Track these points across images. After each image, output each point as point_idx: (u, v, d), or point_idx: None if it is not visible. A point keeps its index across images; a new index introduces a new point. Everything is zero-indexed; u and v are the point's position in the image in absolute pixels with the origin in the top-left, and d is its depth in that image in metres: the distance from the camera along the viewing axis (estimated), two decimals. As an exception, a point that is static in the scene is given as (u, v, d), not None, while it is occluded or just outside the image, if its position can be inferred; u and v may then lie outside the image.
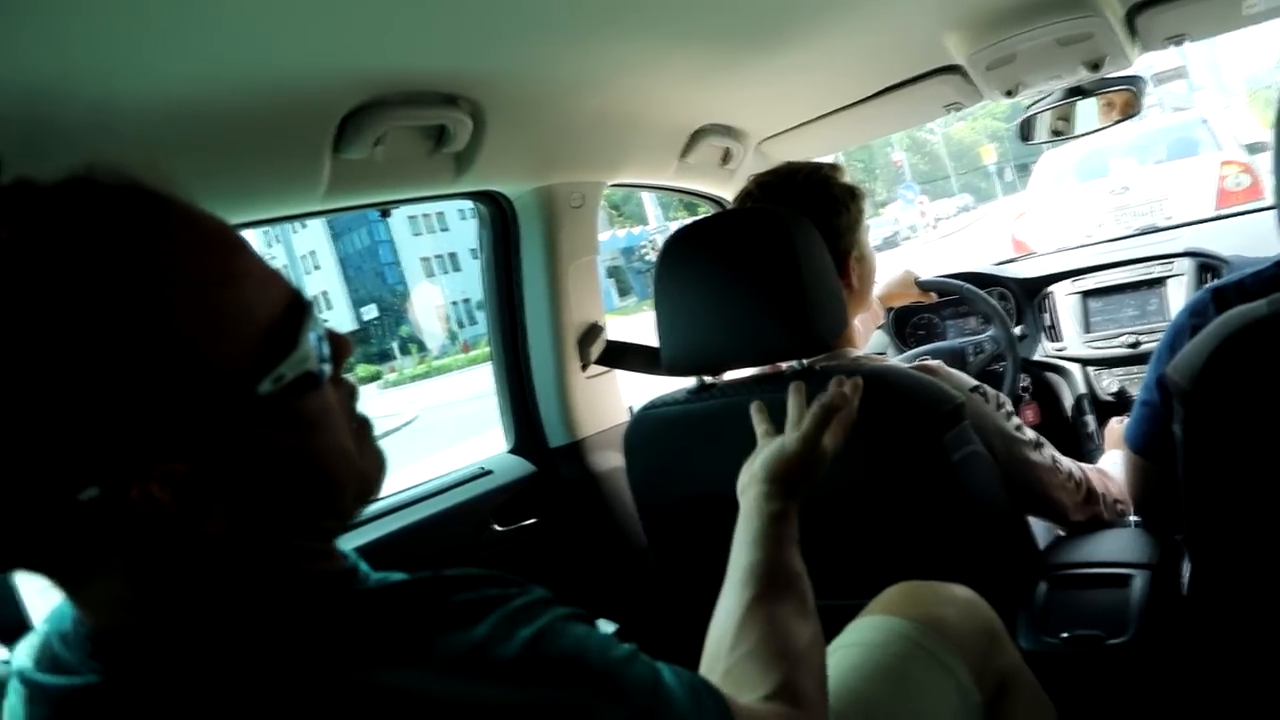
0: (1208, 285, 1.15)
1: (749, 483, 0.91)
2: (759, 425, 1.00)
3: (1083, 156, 7.80)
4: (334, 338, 0.57)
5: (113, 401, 0.45)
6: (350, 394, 0.60)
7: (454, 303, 39.43)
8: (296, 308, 0.54)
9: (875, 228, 31.23)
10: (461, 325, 38.15)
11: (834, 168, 1.38)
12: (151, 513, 0.47)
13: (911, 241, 26.91)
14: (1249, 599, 1.02)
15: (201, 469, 0.48)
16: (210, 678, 0.48)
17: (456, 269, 40.80)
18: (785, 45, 1.46)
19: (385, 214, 1.54)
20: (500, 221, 1.70)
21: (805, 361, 1.22)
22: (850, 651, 0.97)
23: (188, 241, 0.50)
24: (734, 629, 0.76)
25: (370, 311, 41.06)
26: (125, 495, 0.46)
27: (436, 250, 41.52)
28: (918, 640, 0.95)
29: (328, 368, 0.56)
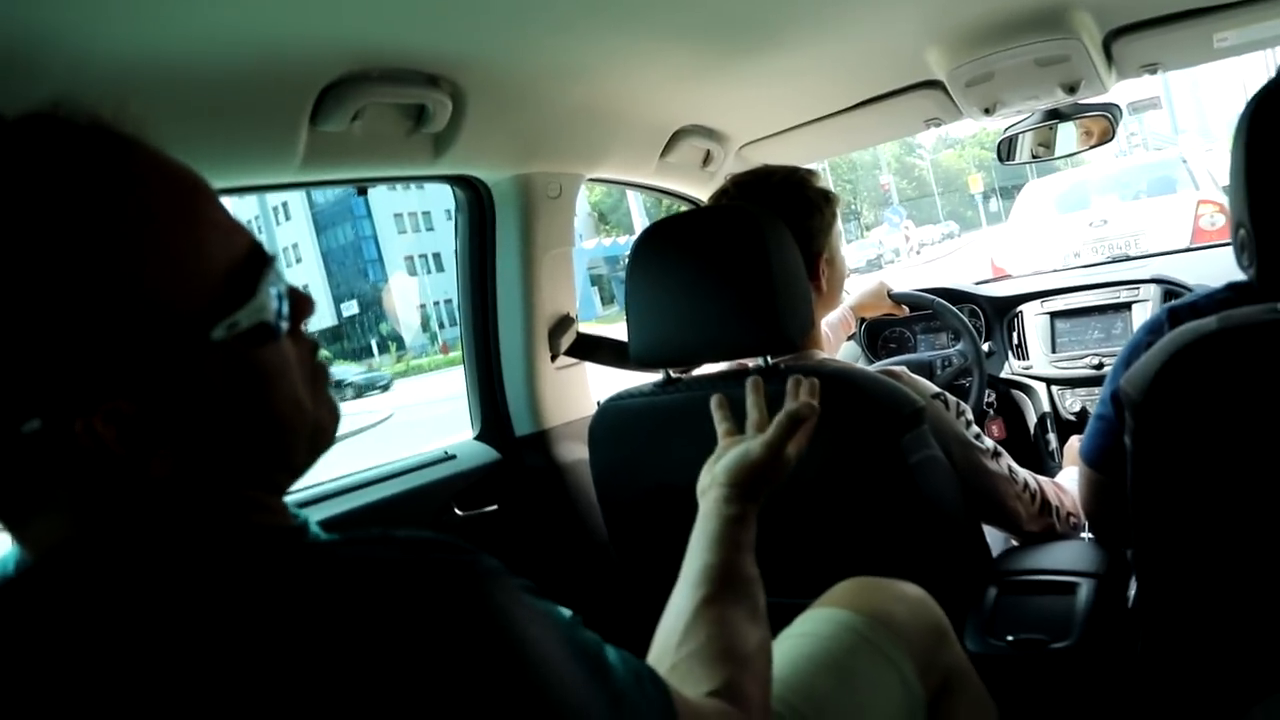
0: (1164, 305, 1.18)
1: (709, 485, 0.90)
2: (720, 423, 0.99)
3: (1065, 190, 7.94)
4: (295, 294, 0.57)
5: (59, 334, 0.45)
6: (311, 350, 0.60)
7: (435, 303, 39.26)
8: (257, 259, 0.54)
9: (859, 249, 31.49)
10: (441, 326, 38.00)
11: (810, 172, 1.40)
12: (95, 450, 0.47)
13: (894, 265, 27.15)
14: (1191, 610, 1.04)
15: (149, 409, 0.48)
16: (133, 591, 0.47)
17: (440, 269, 40.66)
18: (769, 50, 1.48)
19: (361, 191, 1.54)
20: (477, 207, 1.70)
21: (771, 359, 1.23)
22: (799, 641, 0.98)
23: (151, 182, 0.50)
24: (683, 627, 0.77)
25: (350, 308, 40.84)
26: (69, 430, 0.46)
27: (420, 250, 41.36)
28: (865, 634, 0.96)
29: (285, 323, 0.56)
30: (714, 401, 1.01)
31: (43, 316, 0.45)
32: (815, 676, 0.92)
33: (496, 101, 1.38)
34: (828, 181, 1.42)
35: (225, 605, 0.45)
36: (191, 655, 0.43)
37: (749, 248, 1.17)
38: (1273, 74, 0.94)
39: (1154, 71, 1.67)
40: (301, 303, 0.58)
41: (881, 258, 29.09)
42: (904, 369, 1.32)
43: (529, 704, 0.48)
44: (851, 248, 34.62)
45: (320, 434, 0.60)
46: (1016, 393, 2.32)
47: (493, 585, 0.50)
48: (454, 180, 1.65)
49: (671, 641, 0.76)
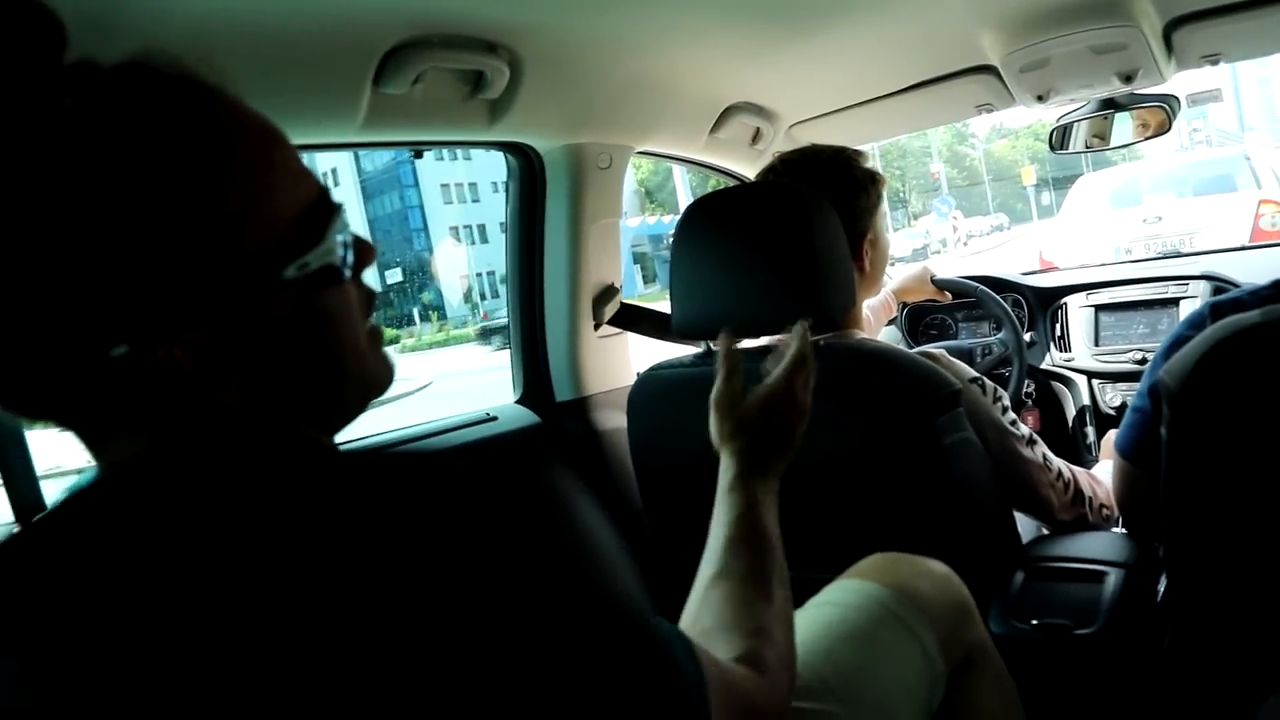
0: (1208, 300, 1.18)
1: (724, 437, 0.91)
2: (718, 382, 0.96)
3: (1120, 184, 7.75)
4: (359, 242, 0.60)
5: (146, 267, 0.48)
6: (369, 298, 0.63)
7: (478, 274, 39.48)
8: (325, 206, 0.57)
9: (905, 238, 31.05)
10: (484, 297, 38.22)
11: (857, 153, 1.41)
12: (173, 376, 0.50)
13: (940, 255, 26.77)
14: (1219, 605, 1.05)
15: (223, 341, 0.51)
16: (196, 493, 0.49)
17: (484, 241, 40.83)
18: (821, 29, 1.49)
19: (418, 154, 1.58)
20: (529, 174, 1.73)
21: (811, 337, 1.25)
22: (824, 610, 1.01)
23: (233, 128, 0.53)
24: (695, 605, 0.78)
25: (395, 275, 41.22)
26: (152, 356, 0.50)
27: (465, 221, 41.54)
28: (890, 606, 0.99)
29: (349, 269, 0.59)
30: (722, 336, 1.00)
31: (134, 250, 0.48)
32: (839, 644, 0.95)
33: (552, 70, 1.40)
34: (877, 166, 1.43)
35: (279, 507, 0.47)
36: (254, 547, 0.45)
37: (793, 225, 1.18)
38: None
39: (1215, 63, 1.65)
40: (365, 250, 0.61)
41: (928, 247, 28.70)
42: (943, 352, 1.33)
43: (584, 576, 0.50)
44: (898, 236, 34.15)
45: (373, 383, 0.63)
46: (1056, 384, 2.31)
47: (555, 472, 0.52)
48: (507, 147, 1.68)
49: (686, 621, 0.78)
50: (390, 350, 0.67)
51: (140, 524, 0.47)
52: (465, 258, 40.17)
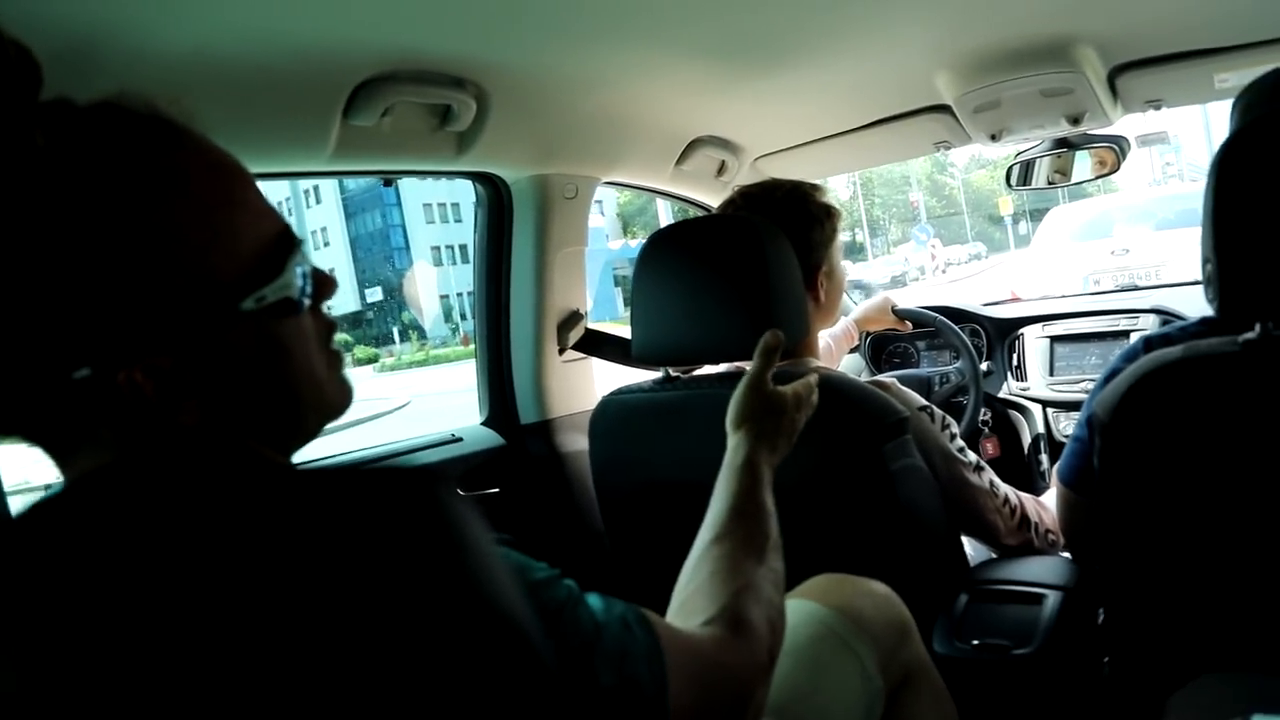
0: (1141, 334, 1.23)
1: (744, 418, 0.97)
2: (753, 364, 1.02)
3: (1091, 217, 7.90)
4: (318, 275, 0.64)
5: (112, 294, 0.52)
6: (328, 328, 0.66)
7: (459, 294, 39.39)
8: (285, 241, 0.61)
9: (884, 265, 31.29)
10: (464, 317, 38.07)
11: (814, 187, 1.45)
12: (134, 398, 0.54)
13: (919, 283, 26.96)
14: (1149, 624, 1.09)
15: (182, 366, 0.55)
16: (148, 505, 0.52)
17: (465, 261, 40.52)
18: (783, 68, 1.54)
19: (388, 183, 1.62)
20: (496, 203, 1.77)
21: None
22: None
23: (198, 165, 0.57)
24: (691, 566, 0.82)
25: (375, 294, 41.05)
26: (113, 379, 0.53)
27: (447, 240, 41.50)
28: (830, 625, 1.02)
29: (307, 300, 0.62)
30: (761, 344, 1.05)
31: (98, 279, 0.51)
32: (781, 660, 0.98)
33: (519, 104, 1.45)
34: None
35: (216, 515, 0.50)
36: (190, 556, 0.48)
37: (748, 256, 1.22)
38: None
39: (1158, 107, 1.72)
40: (324, 283, 0.64)
41: (906, 275, 28.92)
42: (894, 381, 1.37)
43: (463, 590, 0.52)
44: (877, 263, 34.38)
45: (330, 407, 0.66)
46: (1013, 413, 2.37)
47: (441, 488, 0.54)
48: (475, 176, 1.72)
49: (681, 581, 0.81)
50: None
51: (93, 530, 0.50)
52: (446, 278, 40.08)
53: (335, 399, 0.66)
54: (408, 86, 1.27)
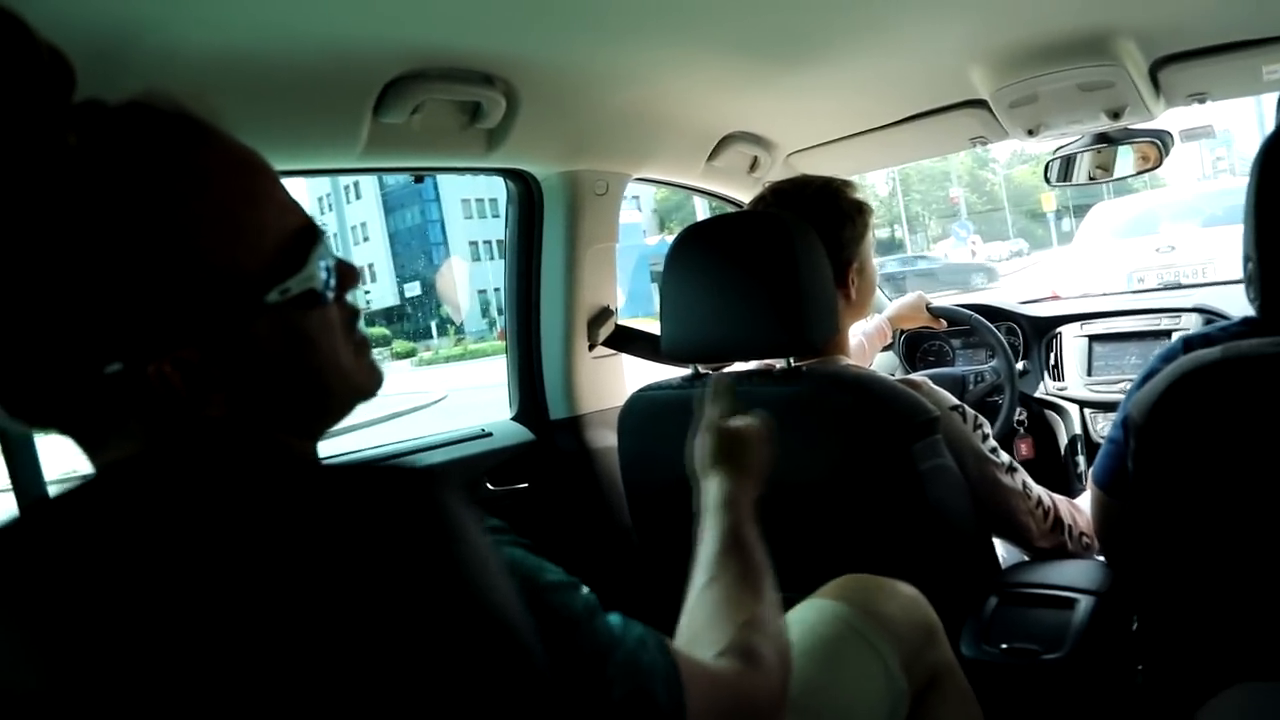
0: (1181, 334, 1.20)
1: (715, 462, 1.00)
2: (708, 409, 1.07)
3: (1136, 213, 7.74)
4: (342, 266, 0.65)
5: (141, 289, 0.53)
6: (353, 316, 0.67)
7: (495, 289, 39.53)
8: (308, 234, 0.62)
9: (924, 262, 30.91)
10: (500, 312, 38.14)
11: (846, 183, 1.44)
12: (163, 390, 0.55)
13: (958, 280, 26.60)
14: (1187, 631, 1.07)
15: (210, 359, 0.56)
16: (175, 494, 0.53)
17: (503, 256, 40.69)
18: (816, 63, 1.53)
19: (418, 179, 1.63)
20: (527, 200, 1.78)
21: (794, 362, 1.28)
22: (790, 628, 1.03)
23: (223, 163, 0.58)
24: (689, 608, 0.83)
25: (413, 289, 41.41)
26: (143, 372, 0.54)
27: (485, 236, 41.74)
28: (854, 624, 1.02)
29: (331, 292, 0.63)
30: (715, 380, 1.11)
31: (126, 276, 0.53)
32: (801, 659, 0.97)
33: (548, 101, 1.45)
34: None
35: (222, 509, 0.51)
36: (192, 547, 0.49)
37: (778, 253, 1.22)
38: None
39: (1202, 100, 1.68)
40: (347, 274, 0.65)
41: (946, 271, 28.54)
42: (925, 379, 1.35)
43: (452, 586, 0.52)
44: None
45: (359, 391, 0.67)
46: (1049, 413, 2.33)
47: (441, 489, 0.55)
48: (505, 173, 1.73)
49: (683, 623, 0.82)
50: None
51: (119, 517, 0.51)
52: (483, 273, 40.30)
53: (364, 383, 0.67)
54: (437, 84, 1.28)
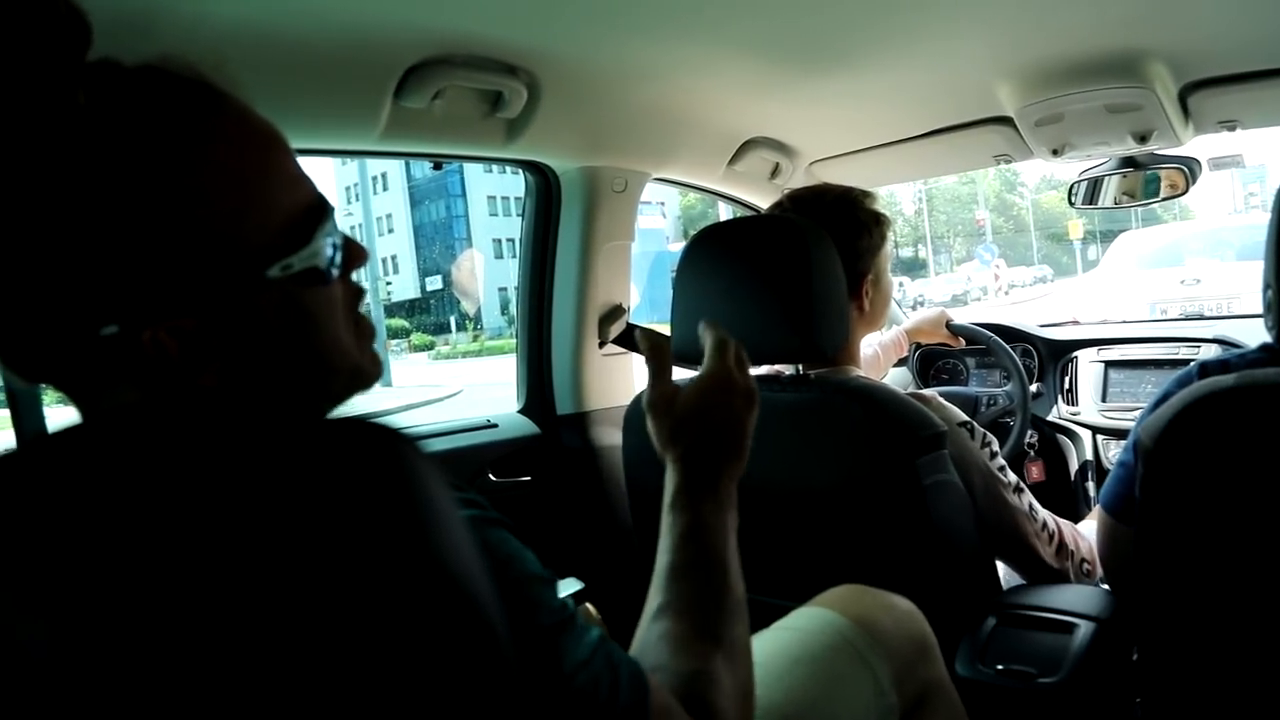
0: (1198, 360, 1.18)
1: (663, 442, 0.83)
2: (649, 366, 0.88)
3: (1163, 244, 7.68)
4: (350, 244, 0.64)
5: (141, 255, 0.53)
6: (356, 295, 0.66)
7: (516, 287, 39.51)
8: (317, 211, 0.61)
9: (946, 283, 30.77)
10: (520, 310, 38.13)
11: (865, 194, 1.43)
12: (157, 356, 0.55)
13: (980, 303, 26.47)
14: (1186, 662, 1.05)
15: (206, 329, 0.56)
16: (165, 448, 0.50)
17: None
18: (840, 71, 1.52)
19: (436, 166, 1.63)
20: (544, 193, 1.78)
21: (803, 369, 1.27)
22: (781, 634, 1.03)
23: (234, 132, 0.58)
24: (641, 635, 0.72)
25: (435, 282, 41.57)
26: (138, 337, 0.54)
27: (509, 233, 41.82)
28: (846, 634, 1.00)
29: (336, 270, 0.62)
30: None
31: (127, 240, 0.52)
32: (792, 667, 0.97)
33: (570, 94, 1.45)
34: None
35: (198, 455, 0.48)
36: (168, 493, 0.46)
37: (792, 258, 1.21)
38: None
39: (1232, 128, 1.65)
40: (354, 253, 0.64)
41: (968, 294, 28.40)
42: (935, 395, 1.34)
43: (411, 541, 0.49)
44: (939, 281, 33.84)
45: (360, 376, 0.65)
46: (1061, 437, 2.30)
47: (404, 443, 0.51)
48: (524, 165, 1.73)
49: (634, 650, 0.72)
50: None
51: (99, 466, 0.49)
52: (505, 270, 40.40)
53: (365, 369, 0.66)
54: (460, 71, 1.28)
